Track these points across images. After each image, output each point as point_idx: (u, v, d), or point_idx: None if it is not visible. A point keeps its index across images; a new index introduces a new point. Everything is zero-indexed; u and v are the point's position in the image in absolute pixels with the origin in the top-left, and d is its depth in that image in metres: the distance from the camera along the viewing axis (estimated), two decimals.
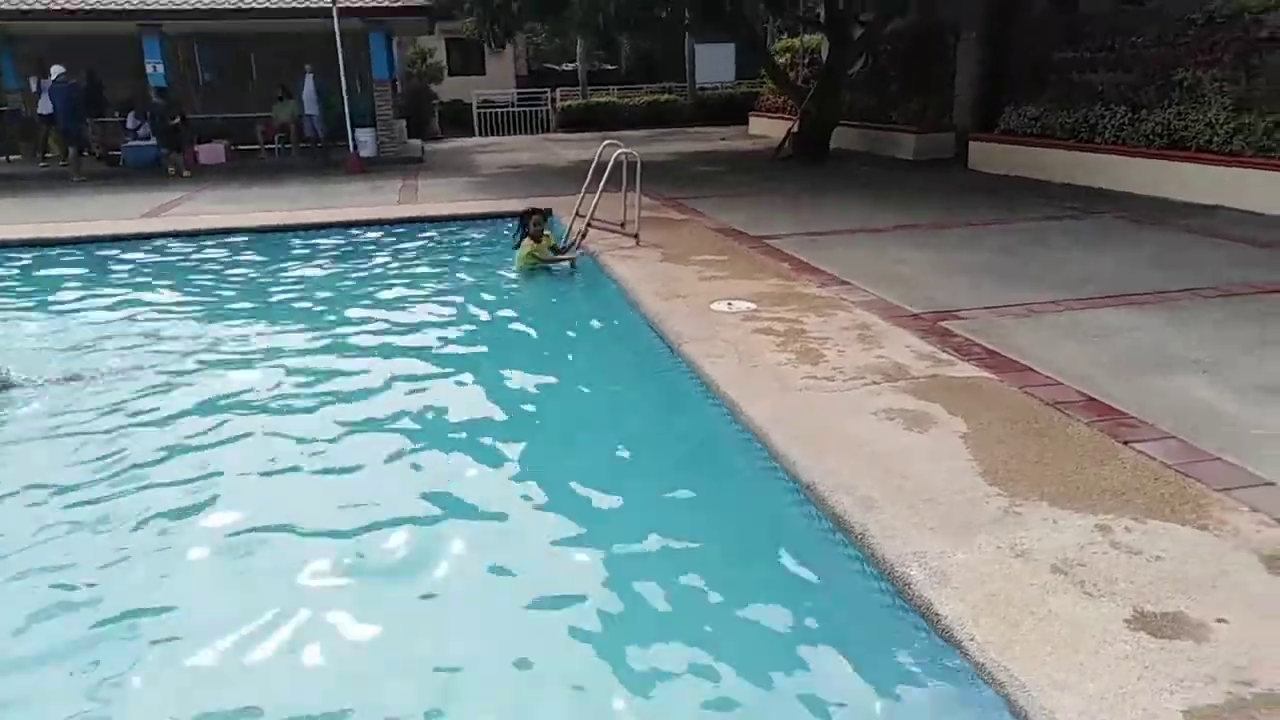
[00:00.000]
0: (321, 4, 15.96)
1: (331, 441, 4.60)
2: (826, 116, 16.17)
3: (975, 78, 14.88)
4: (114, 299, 7.67)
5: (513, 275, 8.10)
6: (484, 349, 6.36)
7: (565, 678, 2.74)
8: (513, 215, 10.90)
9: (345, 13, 16.31)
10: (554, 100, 27.95)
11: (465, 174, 16.13)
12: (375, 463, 4.32)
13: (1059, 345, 5.14)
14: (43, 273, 8.91)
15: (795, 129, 16.75)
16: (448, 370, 5.69)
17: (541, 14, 14.82)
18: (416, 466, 4.33)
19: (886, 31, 16.22)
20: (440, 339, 6.42)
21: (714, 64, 30.17)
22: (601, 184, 8.32)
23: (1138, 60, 11.58)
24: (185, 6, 16.78)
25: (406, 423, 4.83)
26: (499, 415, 4.99)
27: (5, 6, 16.16)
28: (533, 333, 6.67)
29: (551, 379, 5.60)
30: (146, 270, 8.99)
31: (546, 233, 8.28)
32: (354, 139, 17.02)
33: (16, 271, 8.96)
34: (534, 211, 8.19)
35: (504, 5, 13.50)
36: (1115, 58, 11.95)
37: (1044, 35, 13.46)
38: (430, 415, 4.96)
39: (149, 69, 17.10)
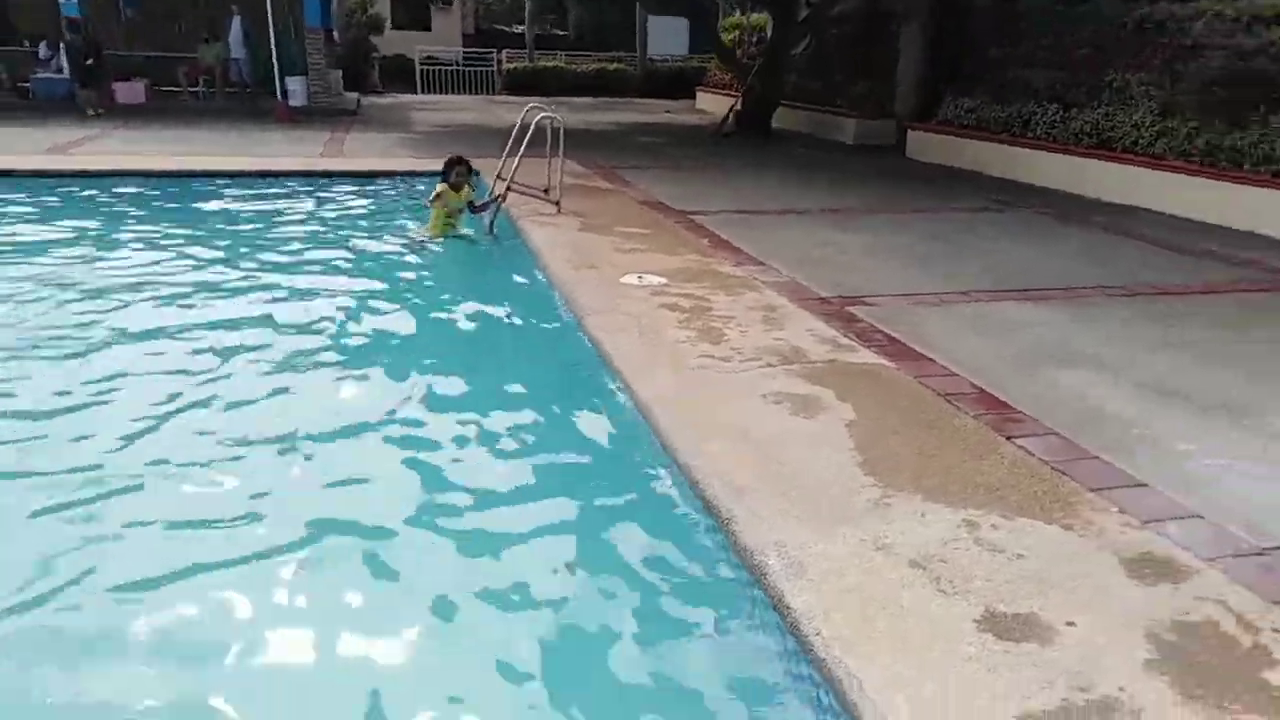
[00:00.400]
0: None
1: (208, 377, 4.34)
2: (769, 95, 16.06)
3: (917, 66, 14.90)
4: None
5: (421, 235, 7.76)
6: (376, 312, 6.07)
7: None
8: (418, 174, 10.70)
9: None
10: (500, 62, 27.34)
11: (399, 130, 15.64)
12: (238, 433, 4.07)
13: (963, 336, 5.10)
14: None
15: (738, 106, 16.60)
16: (325, 330, 5.43)
17: None
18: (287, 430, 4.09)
19: (833, 14, 16.13)
20: (333, 302, 6.10)
21: (666, 36, 29.90)
22: (522, 147, 8.05)
23: (1070, 60, 11.68)
24: None
25: (275, 379, 4.58)
26: (376, 379, 4.75)
27: None
28: (435, 296, 6.41)
29: (445, 344, 5.39)
30: (32, 210, 8.46)
31: (468, 185, 7.90)
32: (283, 86, 16.37)
33: None
34: (458, 161, 7.74)
35: None
36: (1049, 56, 12.04)
37: (984, 28, 13.50)
38: (304, 376, 4.72)
39: (63, 1, 16.18)
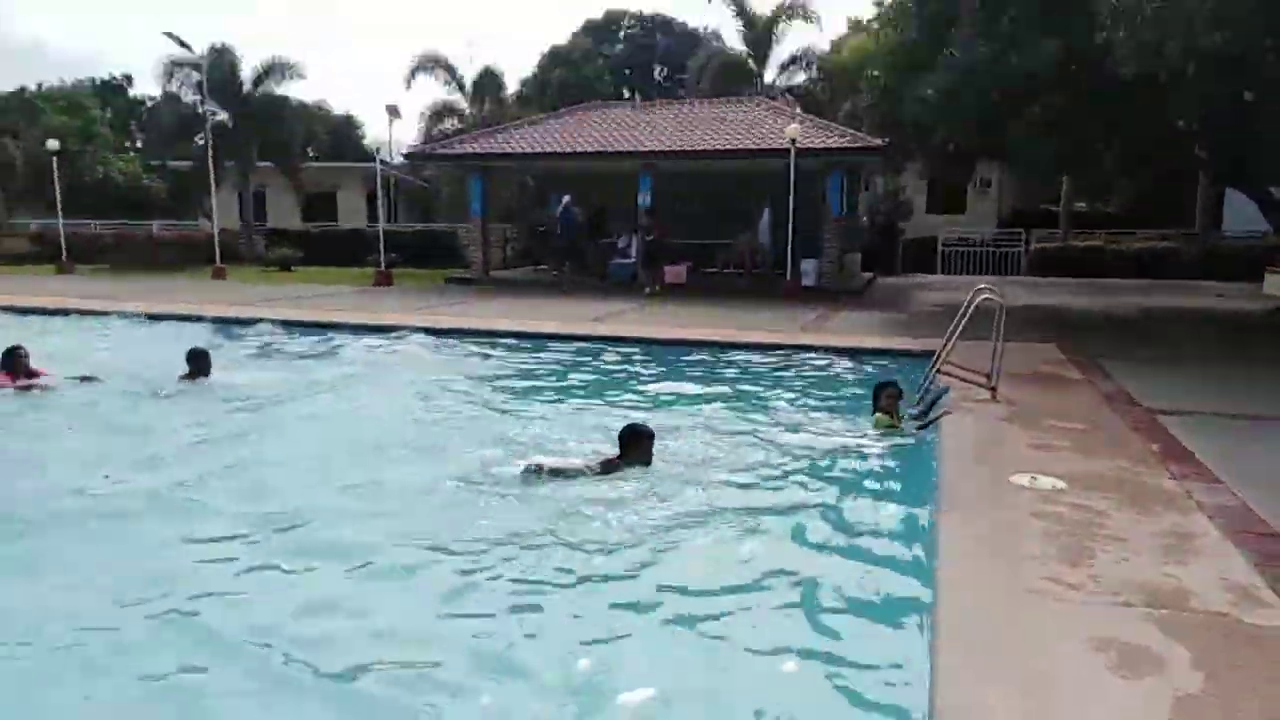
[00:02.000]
0: (784, 146, 17.44)
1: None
2: None
3: None
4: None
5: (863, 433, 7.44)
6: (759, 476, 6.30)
7: None
8: (896, 353, 10.80)
9: (803, 152, 17.57)
10: (1027, 242, 26.44)
11: (891, 310, 16.06)
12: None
13: None
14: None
15: None
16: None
17: (985, 156, 14.47)
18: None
19: None
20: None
21: (1247, 208, 26.02)
22: (957, 329, 7.82)
23: None
24: (677, 148, 19.58)
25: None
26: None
27: (550, 149, 20.51)
28: (816, 474, 6.38)
29: (797, 518, 5.38)
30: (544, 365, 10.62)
31: (906, 413, 7.54)
32: (795, 268, 18.05)
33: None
34: (888, 385, 7.53)
35: (941, 149, 13.43)
36: None
37: None
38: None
39: (640, 199, 20.14)
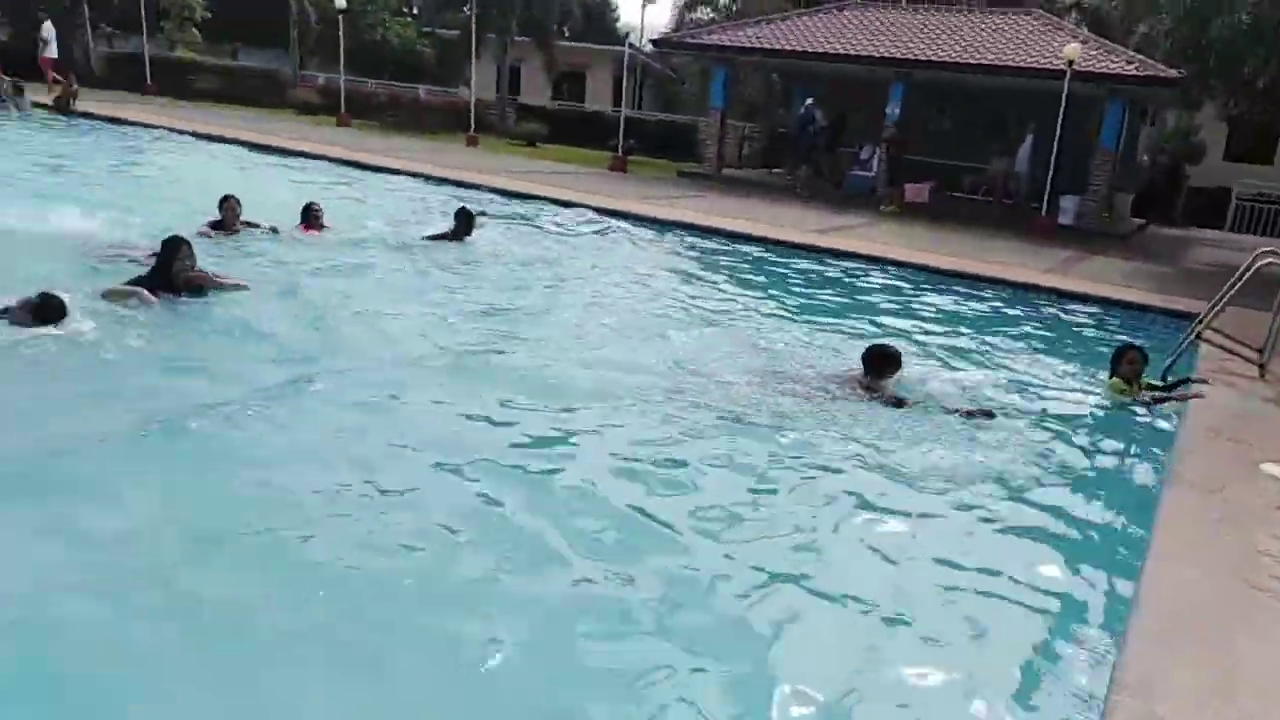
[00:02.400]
0: (1060, 67, 15.76)
1: None
2: None
3: None
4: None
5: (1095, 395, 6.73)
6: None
7: None
8: (1148, 309, 9.78)
9: (1081, 76, 15.81)
10: None
11: (1157, 263, 14.45)
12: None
13: None
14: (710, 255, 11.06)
15: None
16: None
17: None
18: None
19: None
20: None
21: None
22: (1229, 293, 6.91)
23: None
24: (937, 59, 18.20)
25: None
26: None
27: (799, 48, 19.72)
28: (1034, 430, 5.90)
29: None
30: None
31: (1147, 382, 6.52)
32: (1050, 203, 16.55)
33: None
34: (1130, 348, 6.58)
35: (1250, 84, 11.61)
36: None
37: None
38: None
39: (889, 110, 19.04)
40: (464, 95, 27.33)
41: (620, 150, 21.37)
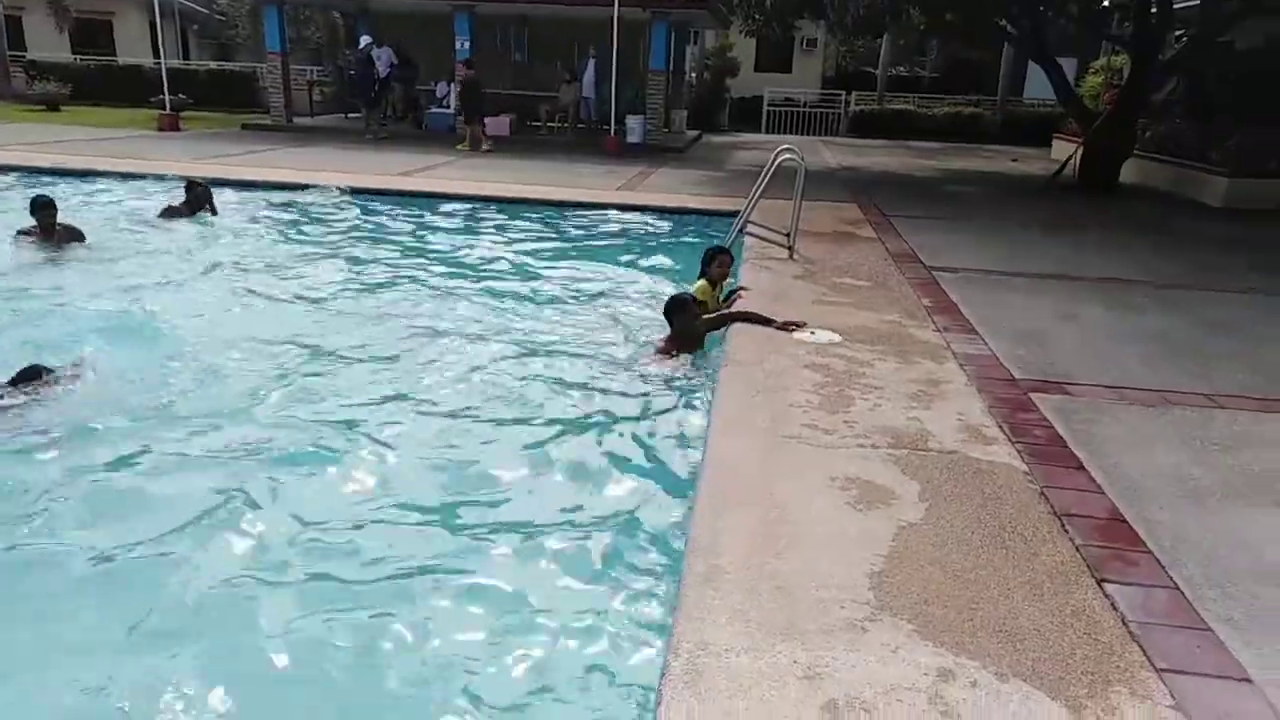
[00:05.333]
0: None
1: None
2: (1117, 145, 14.18)
3: None
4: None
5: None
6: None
7: None
8: (708, 213, 10.90)
9: (628, 1, 16.93)
10: (847, 104, 27.12)
11: (710, 168, 16.16)
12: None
13: (1153, 448, 4.12)
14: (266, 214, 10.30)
15: (1078, 156, 14.88)
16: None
17: (799, 13, 14.48)
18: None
19: (1217, 53, 13.84)
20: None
21: (1044, 79, 27.56)
22: (759, 190, 7.96)
23: None
24: None
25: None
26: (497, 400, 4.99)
27: None
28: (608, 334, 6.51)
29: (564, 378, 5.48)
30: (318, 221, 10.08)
31: (730, 280, 6.87)
32: (618, 124, 17.70)
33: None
34: (720, 251, 6.86)
35: (760, 2, 13.29)
36: None
37: None
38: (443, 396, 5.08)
39: (457, 44, 18.93)
40: None
41: (169, 106, 18.94)
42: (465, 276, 7.96)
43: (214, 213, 9.48)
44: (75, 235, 7.94)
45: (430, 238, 9.53)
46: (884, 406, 4.46)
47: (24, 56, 27.01)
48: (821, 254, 8.22)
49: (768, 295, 6.63)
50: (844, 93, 27.74)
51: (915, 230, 9.87)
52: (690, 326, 5.81)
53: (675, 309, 5.84)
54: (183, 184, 9.83)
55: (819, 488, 3.52)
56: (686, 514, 3.64)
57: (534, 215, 10.74)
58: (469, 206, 10.93)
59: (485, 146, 17.00)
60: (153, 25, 26.73)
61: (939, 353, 5.45)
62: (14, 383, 4.61)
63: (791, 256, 7.99)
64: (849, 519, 3.29)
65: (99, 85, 24.73)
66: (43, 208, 7.72)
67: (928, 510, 3.38)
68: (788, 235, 8.22)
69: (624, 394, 5.27)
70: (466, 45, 18.96)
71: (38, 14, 27.64)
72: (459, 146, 17.43)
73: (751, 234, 8.23)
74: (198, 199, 9.43)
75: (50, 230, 7.75)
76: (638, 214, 10.84)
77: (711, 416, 4.33)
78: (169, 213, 9.32)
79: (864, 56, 36.29)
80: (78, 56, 27.93)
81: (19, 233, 7.76)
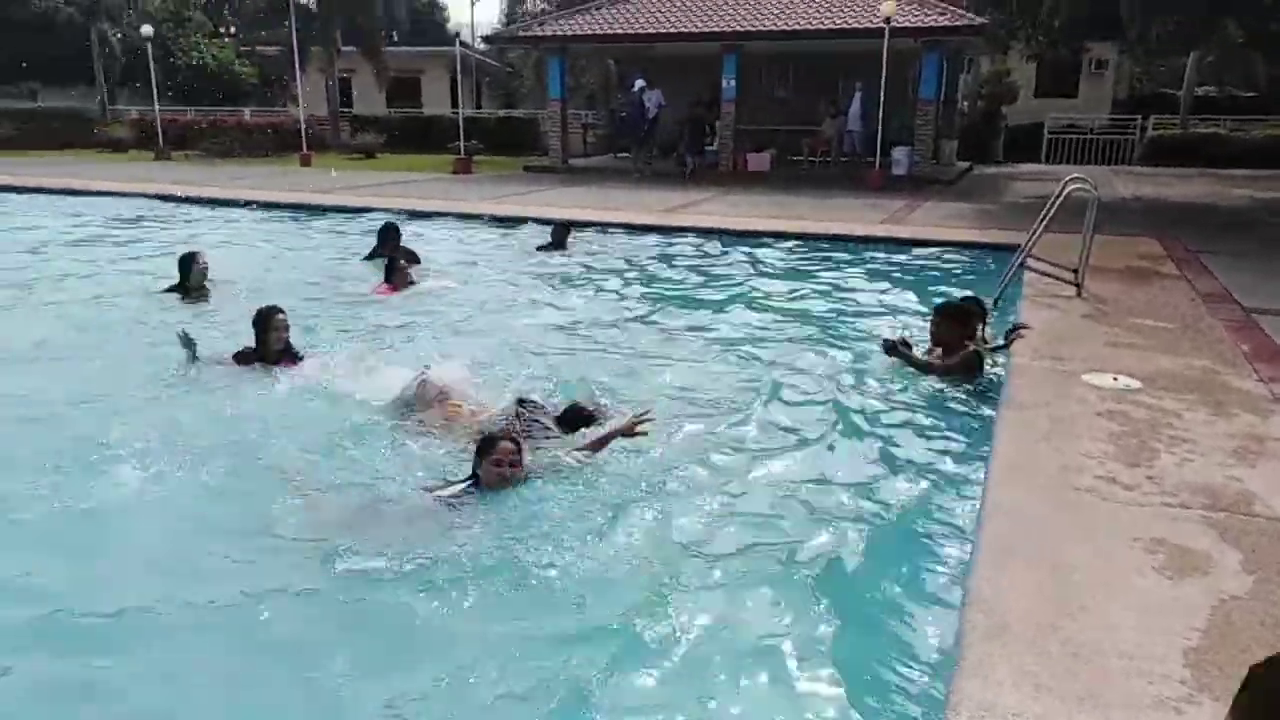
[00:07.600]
0: (879, 25, 16.45)
1: None
2: None
3: None
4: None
5: None
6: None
7: None
8: (979, 246, 10.36)
9: (898, 32, 16.57)
10: (1143, 129, 24.65)
11: (983, 200, 15.33)
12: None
13: None
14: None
15: None
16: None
17: (1090, 33, 13.39)
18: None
19: None
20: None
21: None
22: (1044, 222, 7.42)
23: None
24: (763, 29, 18.69)
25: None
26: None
27: (634, 31, 19.85)
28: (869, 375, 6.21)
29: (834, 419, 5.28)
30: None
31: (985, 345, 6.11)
32: (881, 156, 17.31)
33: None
34: (975, 306, 6.37)
35: (1046, 23, 12.47)
36: None
37: None
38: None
39: (724, 84, 19.44)
40: (293, 113, 26.30)
41: (462, 151, 21.03)
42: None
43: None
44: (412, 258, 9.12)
45: (757, 280, 9.54)
46: (1195, 462, 3.97)
47: (349, 111, 31.15)
48: (1114, 292, 7.51)
49: (1054, 335, 6.15)
50: (1138, 117, 25.25)
51: (1228, 267, 8.75)
52: (950, 334, 5.50)
53: (945, 313, 5.57)
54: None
55: (1118, 548, 3.19)
56: (960, 565, 3.44)
57: (803, 249, 10.69)
58: (791, 243, 11.06)
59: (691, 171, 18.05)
60: (453, 80, 29.99)
61: (1262, 405, 4.77)
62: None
63: (1080, 294, 7.36)
64: (1156, 586, 2.95)
65: (409, 134, 27.97)
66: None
67: (1255, 584, 2.96)
68: (1074, 272, 7.60)
69: (892, 423, 5.10)
70: (732, 84, 19.42)
71: (364, 74, 31.83)
72: (688, 173, 18.07)
73: (1032, 269, 7.69)
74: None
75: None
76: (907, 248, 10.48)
77: (990, 461, 4.06)
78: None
79: (1162, 77, 32.96)
80: (392, 110, 31.75)
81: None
